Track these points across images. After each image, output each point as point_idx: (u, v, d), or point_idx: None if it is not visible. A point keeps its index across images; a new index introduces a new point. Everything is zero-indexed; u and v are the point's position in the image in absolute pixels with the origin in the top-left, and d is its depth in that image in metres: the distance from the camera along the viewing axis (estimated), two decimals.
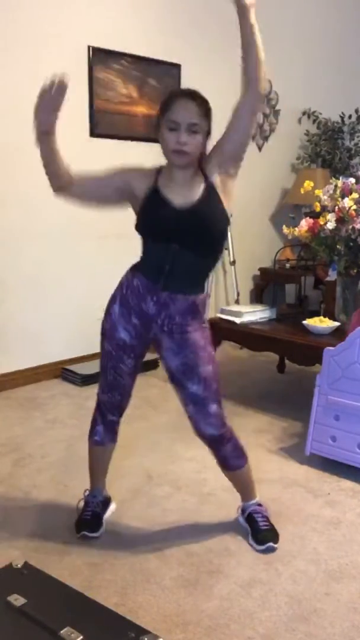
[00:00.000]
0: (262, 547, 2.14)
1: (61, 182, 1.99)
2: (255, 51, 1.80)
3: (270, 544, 2.14)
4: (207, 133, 1.91)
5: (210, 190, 1.93)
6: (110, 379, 2.13)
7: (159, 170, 1.98)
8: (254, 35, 1.79)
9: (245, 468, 2.19)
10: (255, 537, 2.17)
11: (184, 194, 1.92)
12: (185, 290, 1.98)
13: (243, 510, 2.27)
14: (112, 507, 2.34)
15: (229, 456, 2.14)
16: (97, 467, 2.29)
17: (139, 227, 1.99)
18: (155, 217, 1.94)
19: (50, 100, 1.84)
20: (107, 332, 2.09)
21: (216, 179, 1.95)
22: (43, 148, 1.93)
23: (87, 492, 2.31)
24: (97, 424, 2.22)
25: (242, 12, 1.77)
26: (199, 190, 1.93)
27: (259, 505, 2.26)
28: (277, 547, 2.15)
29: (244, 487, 2.25)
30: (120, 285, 2.07)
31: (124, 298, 2.04)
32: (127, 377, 2.13)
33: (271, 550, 2.14)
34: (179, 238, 1.92)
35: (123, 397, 2.17)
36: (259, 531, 2.18)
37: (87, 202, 2.08)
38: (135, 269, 2.05)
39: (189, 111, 1.84)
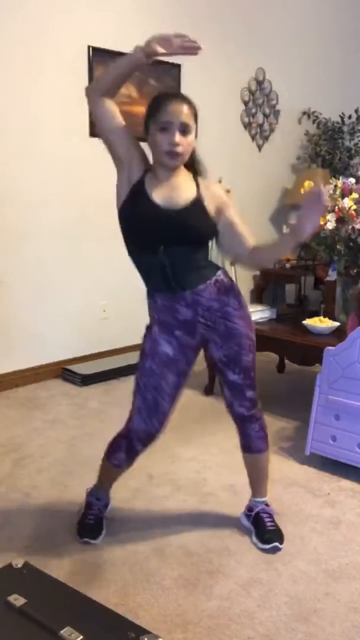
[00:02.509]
0: (268, 547, 2.15)
1: (107, 95, 1.90)
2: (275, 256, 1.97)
3: (276, 544, 2.15)
4: (195, 134, 1.91)
5: (200, 202, 1.93)
6: (149, 400, 2.03)
7: (148, 167, 1.96)
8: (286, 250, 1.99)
9: (266, 454, 2.21)
10: (262, 536, 2.18)
11: (170, 195, 1.90)
12: (199, 280, 1.97)
13: (250, 509, 2.27)
14: (110, 506, 2.34)
15: (254, 436, 2.15)
16: (109, 480, 2.26)
17: (125, 229, 1.95)
18: (138, 216, 1.90)
19: (177, 45, 1.77)
20: (148, 350, 2.03)
21: (206, 199, 1.95)
22: (129, 68, 1.85)
23: (90, 491, 2.29)
24: (121, 450, 2.12)
25: (295, 234, 1.88)
26: (188, 194, 1.92)
27: (267, 505, 2.27)
28: (282, 547, 2.16)
29: (260, 479, 2.26)
30: (151, 314, 2.06)
31: (160, 321, 2.02)
32: (167, 398, 2.04)
33: (276, 550, 2.15)
34: (164, 239, 1.90)
35: (160, 425, 2.07)
36: (266, 531, 2.19)
37: (100, 124, 1.94)
38: (149, 292, 2.03)
39: (180, 111, 1.84)
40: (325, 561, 2.10)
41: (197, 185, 1.96)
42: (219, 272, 2.02)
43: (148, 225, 1.90)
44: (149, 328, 2.06)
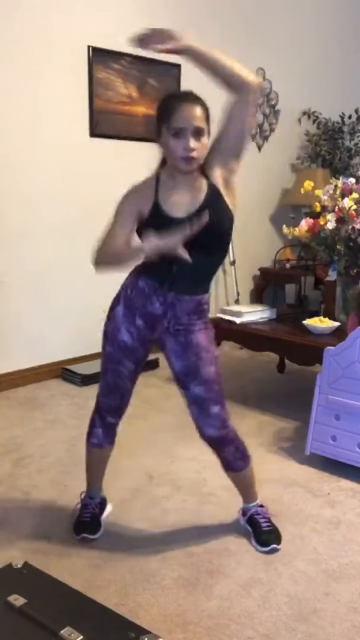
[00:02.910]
0: (266, 549, 2.14)
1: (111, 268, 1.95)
2: (221, 64, 1.83)
3: (274, 545, 2.14)
4: (208, 135, 1.89)
5: (214, 193, 1.91)
6: (110, 382, 2.12)
7: (157, 178, 1.93)
8: (207, 56, 1.83)
9: (247, 470, 2.17)
10: (258, 539, 2.17)
11: (187, 201, 1.89)
12: (192, 291, 1.98)
13: (244, 513, 2.26)
14: (109, 508, 2.34)
15: (231, 458, 2.12)
16: (95, 469, 2.28)
17: (140, 237, 1.93)
18: (155, 231, 1.86)
19: None
20: (109, 334, 2.07)
21: (218, 180, 1.93)
22: (135, 254, 1.88)
23: (84, 494, 2.30)
24: (96, 426, 2.20)
25: (186, 51, 1.81)
26: (202, 194, 1.90)
27: (261, 506, 2.26)
28: (280, 548, 2.15)
29: (246, 489, 2.24)
30: (125, 286, 2.06)
31: (128, 299, 2.02)
32: (127, 380, 2.11)
33: (274, 551, 2.14)
34: (185, 246, 1.85)
35: (123, 400, 2.16)
36: (262, 533, 2.18)
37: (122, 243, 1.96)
38: (139, 271, 2.02)
39: (193, 115, 1.81)
40: (325, 561, 2.10)
41: (207, 177, 1.92)
42: (206, 296, 2.04)
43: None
44: (113, 307, 2.06)
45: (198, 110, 1.82)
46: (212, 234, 1.90)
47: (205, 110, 1.86)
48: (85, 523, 2.21)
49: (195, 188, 1.91)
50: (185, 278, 1.95)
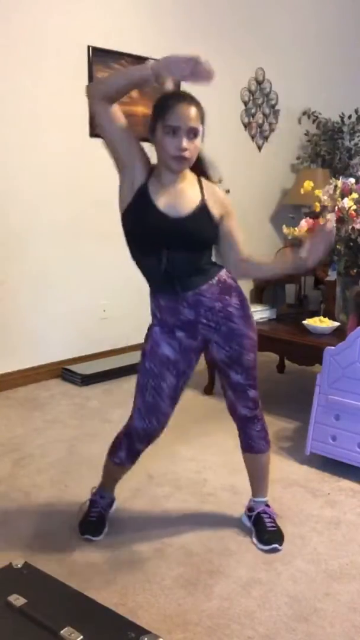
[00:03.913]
0: (267, 548, 2.15)
1: (109, 100, 1.83)
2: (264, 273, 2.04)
3: (276, 545, 2.15)
4: (202, 137, 1.89)
5: (205, 208, 1.93)
6: (149, 401, 2.05)
7: (152, 168, 1.94)
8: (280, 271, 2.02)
9: (267, 454, 2.21)
10: (261, 537, 2.18)
11: (175, 202, 1.89)
12: (201, 280, 1.97)
13: (251, 509, 2.27)
14: (115, 505, 2.34)
15: (256, 436, 2.16)
16: (112, 478, 2.27)
17: (128, 234, 1.95)
18: (142, 223, 1.89)
19: (189, 71, 1.73)
20: (148, 351, 2.04)
21: (211, 204, 1.94)
22: (137, 81, 1.81)
23: (95, 491, 2.30)
24: (121, 448, 2.14)
25: (296, 263, 1.93)
26: (193, 200, 1.91)
27: (267, 505, 2.27)
28: (281, 549, 2.16)
29: (260, 478, 2.25)
30: (153, 313, 2.06)
31: (162, 321, 2.02)
32: (167, 400, 2.06)
33: (275, 551, 2.15)
34: (166, 245, 1.90)
35: (159, 427, 2.10)
36: (266, 532, 2.19)
37: (103, 127, 1.89)
38: (151, 292, 2.03)
39: (188, 115, 1.80)
40: (325, 561, 2.10)
41: (201, 188, 1.94)
42: (222, 272, 2.01)
43: (152, 232, 1.89)
44: (150, 328, 2.06)
45: (193, 111, 1.82)
46: (196, 240, 1.94)
47: (201, 111, 1.85)
48: (91, 523, 2.21)
49: (183, 190, 1.91)
50: (186, 274, 1.94)
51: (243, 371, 2.06)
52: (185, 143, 1.81)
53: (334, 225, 1.90)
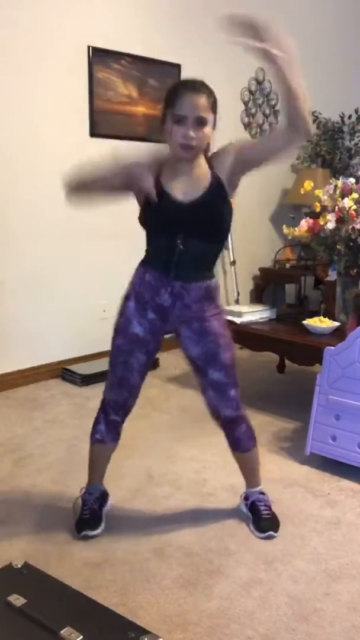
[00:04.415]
0: (263, 535, 2.20)
1: (83, 198, 1.99)
2: (295, 97, 1.85)
3: (271, 532, 2.21)
4: (213, 125, 1.91)
5: (217, 184, 1.94)
6: (118, 375, 2.13)
7: (162, 162, 1.97)
8: (288, 80, 1.82)
9: (254, 450, 2.26)
10: (257, 524, 2.24)
11: (189, 187, 1.93)
12: (197, 278, 2.01)
13: (247, 497, 2.32)
14: (110, 501, 2.35)
15: (242, 437, 2.20)
16: (96, 465, 2.29)
17: (143, 222, 2.00)
18: (159, 213, 1.94)
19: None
20: (121, 327, 2.10)
21: (224, 174, 1.95)
22: (112, 180, 1.96)
23: (84, 490, 2.31)
24: (100, 422, 2.21)
25: (272, 60, 1.80)
26: (204, 182, 1.94)
27: (262, 493, 2.32)
28: (276, 535, 2.20)
29: (251, 472, 2.31)
30: (133, 282, 2.09)
31: (139, 294, 2.06)
32: (136, 374, 2.13)
33: (271, 538, 2.20)
34: (183, 229, 1.93)
35: (130, 396, 2.17)
36: (261, 520, 2.24)
37: (95, 201, 2.05)
38: (144, 263, 2.06)
39: (196, 105, 1.82)
40: (325, 561, 2.10)
41: (212, 168, 1.96)
42: (213, 281, 2.07)
43: (170, 218, 1.93)
44: (124, 302, 2.10)
45: (203, 100, 1.84)
46: (213, 223, 1.96)
47: (211, 99, 1.87)
48: (85, 520, 2.22)
49: (196, 176, 1.94)
50: (188, 265, 1.98)
51: (221, 368, 2.08)
52: (192, 132, 1.84)
53: (329, 190, 1.86)
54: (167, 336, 2.13)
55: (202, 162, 1.96)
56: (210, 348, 2.06)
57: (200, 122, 1.84)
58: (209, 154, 1.99)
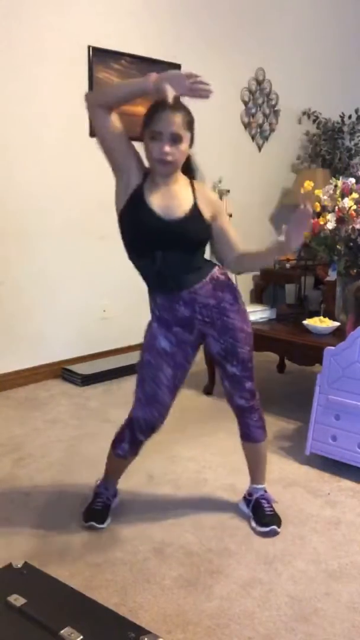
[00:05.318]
0: (267, 529, 2.22)
1: (108, 108, 1.93)
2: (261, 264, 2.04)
3: (274, 527, 2.23)
4: (190, 143, 1.95)
5: (196, 209, 1.99)
6: (148, 391, 2.14)
7: (147, 172, 2.00)
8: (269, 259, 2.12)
9: (264, 442, 2.29)
10: (261, 520, 2.26)
11: (168, 202, 1.95)
12: (195, 279, 2.04)
13: (250, 494, 2.34)
14: (117, 498, 2.38)
15: (253, 425, 2.23)
16: (116, 470, 2.33)
17: (124, 234, 2.01)
18: (139, 225, 1.96)
19: (187, 87, 1.85)
20: (148, 344, 2.14)
21: (203, 205, 2.00)
22: (137, 92, 1.92)
23: (99, 483, 2.34)
24: (124, 440, 2.21)
25: (282, 249, 1.98)
26: (184, 203, 1.97)
27: (266, 492, 2.35)
28: (279, 531, 2.22)
29: (257, 466, 2.33)
30: (151, 309, 2.15)
31: (160, 318, 2.11)
32: (165, 389, 2.14)
33: (274, 533, 2.21)
34: (162, 246, 1.97)
35: (160, 416, 2.17)
36: (265, 516, 2.27)
37: (101, 133, 1.96)
38: (149, 289, 2.12)
39: (171, 121, 1.87)
40: (325, 561, 2.10)
41: (193, 190, 2.01)
42: (215, 269, 2.09)
43: (146, 233, 1.96)
44: (149, 324, 2.15)
45: (178, 118, 1.88)
46: (188, 243, 2.00)
47: (187, 118, 1.91)
48: (96, 511, 2.25)
49: (175, 192, 1.98)
50: (179, 273, 2.01)
51: (238, 363, 2.13)
52: (167, 147, 1.88)
53: (311, 208, 1.92)
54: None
55: (181, 179, 2.00)
56: (230, 344, 2.11)
57: (175, 139, 1.88)
58: (196, 177, 2.05)
